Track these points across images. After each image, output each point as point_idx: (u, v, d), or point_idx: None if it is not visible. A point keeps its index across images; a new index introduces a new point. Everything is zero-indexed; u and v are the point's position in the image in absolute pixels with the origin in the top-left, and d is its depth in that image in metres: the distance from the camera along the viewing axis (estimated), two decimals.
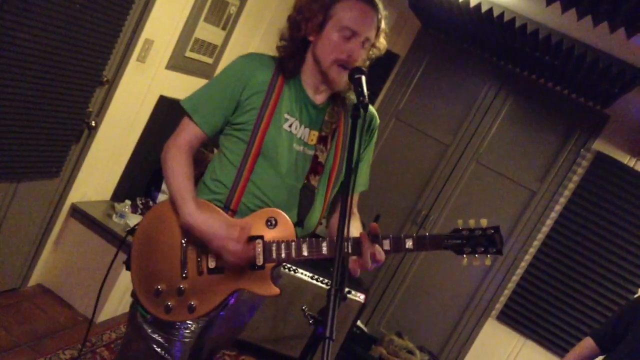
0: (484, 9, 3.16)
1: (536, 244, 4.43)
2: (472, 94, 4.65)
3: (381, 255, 1.64)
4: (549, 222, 4.40)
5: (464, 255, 1.70)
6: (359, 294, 3.67)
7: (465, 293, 4.61)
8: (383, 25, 1.75)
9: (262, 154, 1.71)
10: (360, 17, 1.67)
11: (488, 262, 1.72)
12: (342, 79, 1.69)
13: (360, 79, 1.64)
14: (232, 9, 3.60)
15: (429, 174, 4.73)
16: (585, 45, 3.01)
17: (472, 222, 1.70)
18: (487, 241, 1.70)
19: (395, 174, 4.77)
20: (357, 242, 1.65)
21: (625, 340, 2.61)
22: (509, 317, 4.46)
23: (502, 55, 4.27)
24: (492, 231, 1.71)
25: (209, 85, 1.78)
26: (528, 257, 4.44)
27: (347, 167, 1.54)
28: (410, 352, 4.50)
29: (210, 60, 3.69)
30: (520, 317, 4.42)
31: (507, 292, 4.49)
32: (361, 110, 1.59)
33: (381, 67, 4.64)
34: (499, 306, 4.51)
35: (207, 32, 3.47)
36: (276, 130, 1.71)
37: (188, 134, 1.75)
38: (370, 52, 1.79)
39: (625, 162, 4.23)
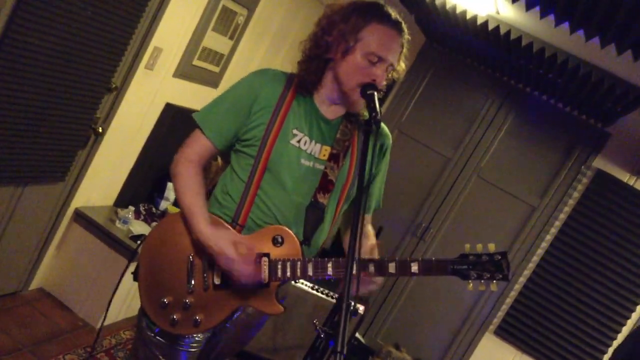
0: (490, 26, 3.19)
1: (535, 259, 4.44)
2: (474, 108, 4.68)
3: (381, 280, 1.72)
4: (549, 237, 4.42)
5: (470, 281, 1.71)
6: (358, 305, 3.67)
7: (463, 306, 4.62)
8: (405, 49, 1.76)
9: (269, 169, 1.71)
10: (388, 44, 1.67)
11: (494, 287, 1.71)
12: (362, 102, 1.68)
13: (372, 95, 1.65)
14: (240, 19, 3.62)
15: (430, 186, 4.75)
16: (591, 64, 3.04)
17: (479, 247, 1.70)
18: (494, 267, 1.69)
19: (396, 185, 4.78)
20: (362, 265, 1.67)
21: None
22: (506, 332, 4.47)
23: (506, 71, 4.30)
24: (499, 257, 1.70)
25: (221, 99, 1.79)
26: (527, 272, 4.45)
27: (358, 186, 1.55)
28: None
29: (217, 69, 3.71)
30: (518, 332, 4.43)
31: (505, 307, 4.50)
32: (373, 126, 1.61)
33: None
34: (496, 321, 4.52)
35: (214, 41, 3.49)
36: (283, 145, 1.71)
37: (199, 147, 1.76)
38: (390, 75, 1.78)
39: (625, 181, 4.26)
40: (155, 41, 3.04)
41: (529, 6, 2.41)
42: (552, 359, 4.32)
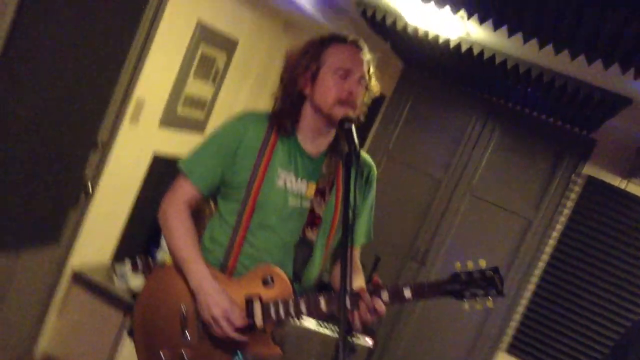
0: (463, 48, 3.25)
1: (537, 272, 4.43)
2: (459, 128, 4.72)
3: (382, 308, 1.64)
4: (548, 249, 4.42)
5: (465, 300, 1.71)
6: (366, 339, 3.64)
7: (472, 327, 4.58)
8: (372, 68, 1.80)
9: (256, 212, 1.72)
10: (350, 57, 1.73)
11: (490, 304, 1.70)
12: (343, 114, 1.70)
13: (350, 129, 1.68)
14: (220, 63, 3.68)
15: (425, 209, 4.76)
16: (565, 76, 3.09)
17: (470, 265, 1.70)
18: (487, 283, 1.69)
19: (391, 212, 4.79)
20: (355, 296, 1.65)
21: None
22: (519, 349, 4.43)
23: (486, 89, 4.37)
24: (491, 272, 1.70)
25: (205, 145, 1.81)
26: (531, 286, 4.44)
27: (343, 220, 1.57)
28: None
29: (202, 115, 3.75)
30: (530, 348, 4.39)
31: (514, 324, 4.47)
32: (354, 159, 1.63)
33: (368, 108, 4.71)
34: (507, 338, 4.48)
35: (197, 87, 3.54)
36: (270, 188, 1.73)
37: (185, 194, 1.79)
38: (366, 97, 1.81)
39: (617, 185, 4.29)
40: (138, 93, 3.09)
41: (496, 26, 2.47)
42: None
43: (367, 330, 3.69)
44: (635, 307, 4.15)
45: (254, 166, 1.73)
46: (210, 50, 3.51)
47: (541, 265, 4.43)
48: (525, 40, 2.45)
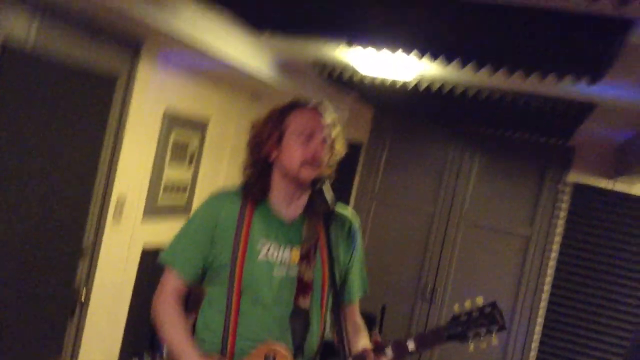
0: (422, 86, 3.32)
1: (546, 288, 4.39)
2: (440, 160, 4.77)
3: None
4: (552, 263, 4.40)
5: (469, 341, 1.69)
6: None
7: (495, 353, 4.49)
8: (337, 129, 1.83)
9: (244, 291, 1.71)
10: (312, 120, 1.76)
11: (495, 341, 1.70)
12: (312, 177, 1.72)
13: (321, 189, 1.70)
14: (194, 145, 3.74)
15: (424, 246, 4.74)
16: (526, 94, 3.15)
17: (467, 304, 1.70)
18: (488, 320, 1.68)
19: (391, 255, 4.78)
20: (360, 358, 1.63)
21: None
22: None
23: (456, 119, 4.44)
24: (490, 308, 1.70)
25: (182, 232, 1.83)
26: (544, 304, 4.39)
27: (330, 282, 1.56)
28: None
29: (183, 200, 3.78)
30: (558, 359, 4.31)
31: (535, 345, 4.39)
32: (329, 217, 1.65)
33: (347, 158, 4.77)
34: (533, 353, 4.39)
35: (175, 173, 3.58)
36: (254, 263, 1.73)
37: (171, 286, 1.79)
38: (331, 158, 1.83)
39: (604, 186, 4.32)
40: (117, 190, 3.11)
41: (449, 61, 2.54)
42: None
43: None
44: None
45: (234, 244, 1.73)
46: (182, 135, 3.57)
47: (548, 280, 4.39)
48: (478, 68, 2.51)
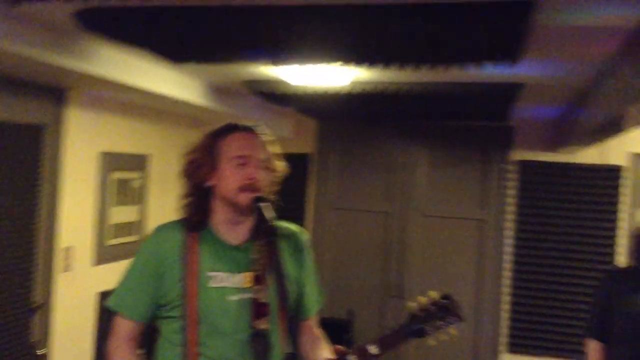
0: (357, 90, 3.36)
1: (508, 265, 4.49)
2: (389, 159, 4.83)
3: None
4: (510, 240, 4.50)
5: (429, 335, 1.71)
6: None
7: (466, 341, 4.55)
8: (274, 148, 1.81)
9: (200, 322, 1.69)
10: (246, 143, 1.74)
11: (454, 332, 1.73)
12: (251, 201, 1.70)
13: (260, 207, 1.69)
14: (137, 183, 3.67)
15: (386, 244, 4.79)
16: (457, 83, 3.22)
17: (422, 300, 1.72)
18: (444, 313, 1.72)
19: (355, 259, 4.81)
20: None
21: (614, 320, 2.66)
22: (519, 345, 4.42)
23: (397, 117, 4.51)
24: (445, 300, 1.73)
25: (126, 274, 1.80)
26: (507, 281, 4.48)
27: (285, 300, 1.56)
28: None
29: (134, 238, 3.70)
30: (529, 340, 4.39)
31: (505, 322, 4.48)
32: (271, 234, 1.65)
33: (296, 171, 4.79)
34: (504, 339, 4.47)
35: (120, 214, 3.51)
36: (205, 293, 1.70)
37: (123, 330, 1.76)
38: (271, 178, 1.81)
39: (547, 159, 4.45)
40: (63, 242, 3.03)
41: (372, 64, 2.57)
42: (572, 344, 4.28)
43: None
44: (607, 257, 4.24)
45: (182, 277, 1.70)
46: (124, 174, 3.51)
47: (509, 257, 4.49)
48: (401, 67, 2.56)
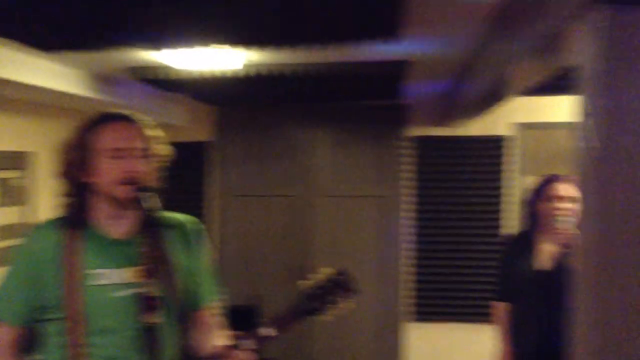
0: (252, 73, 3.30)
1: (410, 238, 4.64)
2: (290, 142, 4.84)
3: (252, 356, 1.65)
4: (410, 214, 4.65)
5: (325, 312, 1.73)
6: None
7: (371, 313, 4.68)
8: (153, 132, 1.73)
9: (86, 321, 1.62)
10: (121, 134, 1.66)
11: (351, 305, 1.76)
12: (132, 194, 1.64)
13: (142, 199, 1.63)
14: (21, 183, 3.44)
15: (292, 228, 4.82)
16: (347, 63, 3.26)
17: (315, 277, 1.74)
18: (339, 287, 1.74)
19: (263, 244, 4.81)
20: (217, 357, 1.62)
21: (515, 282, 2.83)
22: (425, 313, 4.61)
23: (292, 98, 4.51)
24: (339, 275, 1.76)
25: (5, 279, 1.70)
26: (410, 254, 4.63)
27: (174, 292, 1.52)
28: None
29: (15, 242, 3.47)
30: (433, 307, 4.59)
31: (410, 293, 4.64)
32: (153, 225, 1.63)
33: (194, 159, 4.72)
34: (409, 308, 4.64)
35: (4, 216, 3.28)
36: (86, 291, 1.63)
37: (5, 336, 1.68)
38: (152, 167, 1.73)
39: (439, 134, 4.62)
40: None
41: (260, 47, 2.55)
42: (479, 313, 4.51)
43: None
44: (497, 223, 4.50)
45: (61, 279, 1.62)
46: (5, 175, 3.27)
47: (410, 230, 4.65)
48: (290, 48, 2.55)
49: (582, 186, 1.27)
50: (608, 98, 1.19)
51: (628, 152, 1.18)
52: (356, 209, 4.77)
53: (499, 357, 2.90)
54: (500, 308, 2.92)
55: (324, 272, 1.76)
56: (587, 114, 1.23)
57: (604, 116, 1.19)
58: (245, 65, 3.25)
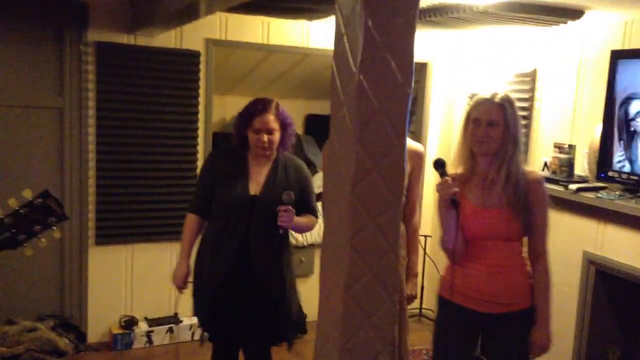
0: None
1: (92, 156, 4.24)
2: None
3: None
4: (92, 129, 4.22)
5: (24, 245, 1.42)
6: None
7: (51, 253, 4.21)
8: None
9: None
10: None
11: (58, 234, 1.52)
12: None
13: None
14: None
15: None
16: None
17: (11, 203, 1.42)
18: (43, 213, 1.46)
19: None
20: None
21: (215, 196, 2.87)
22: (105, 236, 4.34)
23: None
24: (41, 199, 1.47)
25: None
26: (92, 172, 4.25)
27: None
28: (33, 329, 4.06)
29: None
30: (115, 229, 4.34)
31: (91, 216, 4.30)
32: None
33: None
34: (91, 232, 4.32)
35: None
36: None
37: None
38: None
39: (125, 42, 4.22)
40: None
41: None
42: (161, 232, 4.44)
43: None
44: (190, 140, 4.43)
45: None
46: None
47: (92, 147, 4.23)
48: None
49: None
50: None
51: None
52: (32, 122, 4.07)
53: (178, 269, 2.92)
54: (192, 219, 2.94)
55: (22, 195, 1.44)
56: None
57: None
58: None
